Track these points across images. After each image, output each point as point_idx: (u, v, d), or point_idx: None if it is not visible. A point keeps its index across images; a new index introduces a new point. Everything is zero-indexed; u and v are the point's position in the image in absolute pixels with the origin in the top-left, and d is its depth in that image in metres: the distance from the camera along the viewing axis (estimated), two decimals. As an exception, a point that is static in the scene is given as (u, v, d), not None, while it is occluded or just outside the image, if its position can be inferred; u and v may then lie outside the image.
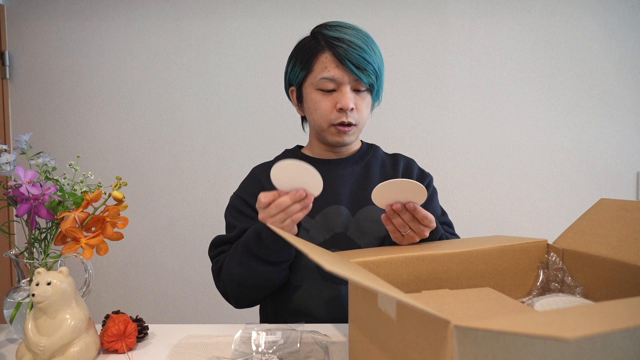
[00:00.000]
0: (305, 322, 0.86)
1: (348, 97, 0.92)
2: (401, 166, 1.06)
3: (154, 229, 1.91)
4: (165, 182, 1.90)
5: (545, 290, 0.77)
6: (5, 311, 0.78)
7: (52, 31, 1.86)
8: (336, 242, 0.96)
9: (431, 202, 1.04)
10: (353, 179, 1.02)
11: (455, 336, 0.40)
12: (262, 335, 0.75)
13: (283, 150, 1.11)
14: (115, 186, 0.80)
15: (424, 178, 1.06)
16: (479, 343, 0.41)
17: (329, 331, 0.83)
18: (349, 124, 0.94)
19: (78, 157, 0.90)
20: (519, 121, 1.90)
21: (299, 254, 0.95)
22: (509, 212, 1.91)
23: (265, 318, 1.06)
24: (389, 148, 1.14)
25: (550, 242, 0.80)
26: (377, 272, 0.69)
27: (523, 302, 0.71)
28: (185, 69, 1.88)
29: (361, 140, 1.10)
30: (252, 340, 0.74)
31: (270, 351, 0.72)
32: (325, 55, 0.93)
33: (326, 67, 0.93)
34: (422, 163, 1.12)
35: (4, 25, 1.84)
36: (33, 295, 0.68)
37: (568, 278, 0.75)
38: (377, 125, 1.84)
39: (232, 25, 1.86)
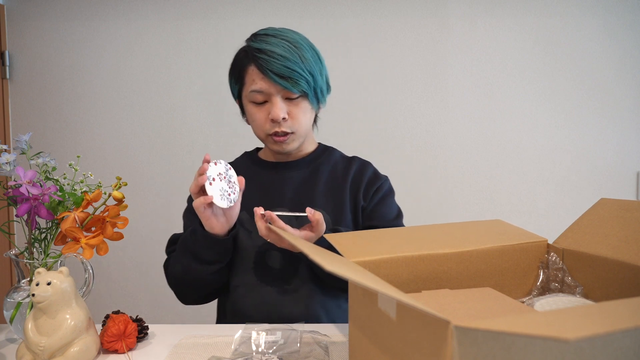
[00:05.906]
0: (243, 324, 0.85)
1: (278, 107, 0.91)
2: (353, 169, 1.03)
3: (154, 229, 1.91)
4: (165, 182, 1.90)
5: (545, 290, 0.77)
6: (5, 311, 0.78)
7: (52, 31, 1.86)
8: (274, 245, 0.91)
9: (381, 205, 1.02)
10: (298, 181, 1.01)
11: (455, 336, 0.40)
12: (262, 335, 0.75)
13: (242, 152, 1.12)
14: (115, 186, 0.80)
15: (376, 180, 1.03)
16: (479, 343, 0.41)
17: (329, 331, 0.83)
18: (285, 133, 0.94)
19: (78, 157, 0.90)
20: (519, 121, 1.90)
21: (240, 255, 0.96)
22: (509, 212, 1.91)
23: (221, 319, 1.08)
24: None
25: (550, 242, 0.80)
26: (377, 272, 0.69)
27: (523, 302, 0.71)
28: (185, 69, 1.88)
29: (319, 143, 1.08)
30: (252, 340, 0.74)
31: (270, 351, 0.72)
32: (252, 68, 0.93)
33: (254, 80, 0.93)
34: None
35: (4, 25, 1.84)
36: (33, 295, 0.68)
37: (568, 278, 0.75)
38: (377, 125, 1.84)
39: (232, 25, 1.86)
